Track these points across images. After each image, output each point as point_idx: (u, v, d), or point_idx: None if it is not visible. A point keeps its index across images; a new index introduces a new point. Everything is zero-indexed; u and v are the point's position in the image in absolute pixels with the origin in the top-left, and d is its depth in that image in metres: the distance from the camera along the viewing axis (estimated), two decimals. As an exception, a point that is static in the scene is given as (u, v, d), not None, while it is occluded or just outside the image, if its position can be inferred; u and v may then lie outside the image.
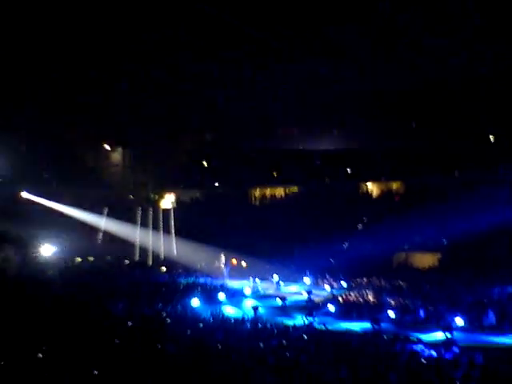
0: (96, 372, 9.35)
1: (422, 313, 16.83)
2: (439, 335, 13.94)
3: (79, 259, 29.66)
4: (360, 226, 31.01)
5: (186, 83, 28.88)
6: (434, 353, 12.22)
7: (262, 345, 12.28)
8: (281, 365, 10.61)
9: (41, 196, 31.33)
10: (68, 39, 23.58)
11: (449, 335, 13.47)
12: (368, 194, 36.47)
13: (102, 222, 32.30)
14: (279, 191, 39.62)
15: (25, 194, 31.37)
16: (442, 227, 27.44)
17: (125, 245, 31.60)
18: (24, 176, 31.70)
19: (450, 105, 30.13)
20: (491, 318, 15.69)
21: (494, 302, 17.81)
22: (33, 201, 31.21)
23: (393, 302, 18.61)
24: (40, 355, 10.36)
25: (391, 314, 16.37)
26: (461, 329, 14.75)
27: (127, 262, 30.73)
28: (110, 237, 31.51)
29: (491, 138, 32.56)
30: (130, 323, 14.44)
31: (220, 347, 11.97)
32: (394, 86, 29.19)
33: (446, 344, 12.81)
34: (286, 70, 27.90)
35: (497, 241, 25.77)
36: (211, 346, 12.16)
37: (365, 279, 23.82)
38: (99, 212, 32.36)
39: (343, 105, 31.90)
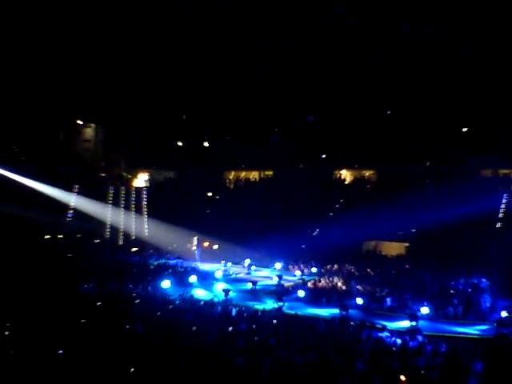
0: (61, 351, 9.25)
1: (388, 301, 17.18)
2: (405, 323, 14.25)
3: (48, 236, 29.12)
4: (332, 213, 31.21)
5: (163, 59, 28.36)
6: (398, 340, 12.54)
7: (231, 328, 12.36)
8: (250, 348, 10.70)
9: (11, 171, 30.39)
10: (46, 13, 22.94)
11: (414, 323, 13.78)
12: (341, 181, 36.82)
13: (72, 199, 31.64)
14: (254, 175, 39.62)
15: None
16: (412, 217, 27.93)
17: (95, 223, 31.11)
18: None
19: (424, 94, 30.41)
20: (455, 308, 16.12)
21: (459, 292, 18.30)
22: (2, 175, 30.27)
23: (361, 289, 18.93)
24: (6, 333, 10.17)
25: (359, 300, 16.64)
26: (426, 318, 15.10)
27: (97, 240, 30.31)
28: (80, 215, 30.90)
29: (464, 129, 33.09)
30: (98, 303, 14.30)
31: (189, 329, 11.98)
32: (369, 72, 29.24)
33: (411, 332, 13.12)
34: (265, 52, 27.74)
35: (463, 232, 26.42)
36: (180, 328, 12.17)
37: (335, 266, 24.12)
38: (70, 189, 31.64)
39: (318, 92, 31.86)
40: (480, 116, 30.79)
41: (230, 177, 39.91)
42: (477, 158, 30.84)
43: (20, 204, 27.17)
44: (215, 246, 28.12)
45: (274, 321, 13.74)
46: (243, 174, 39.80)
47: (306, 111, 35.12)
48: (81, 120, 38.69)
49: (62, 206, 31.01)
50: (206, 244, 28.03)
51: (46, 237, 29.01)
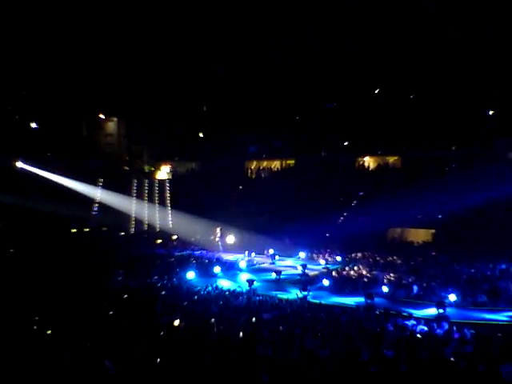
0: (89, 344, 9.40)
1: (415, 288, 16.93)
2: (432, 311, 14.04)
3: (74, 230, 29.67)
4: (356, 201, 30.88)
5: (183, 50, 28.39)
6: (425, 328, 12.35)
7: (256, 318, 12.37)
8: (275, 338, 10.70)
9: (35, 166, 31.02)
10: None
11: (441, 311, 13.57)
12: (365, 168, 36.36)
13: (98, 193, 32.12)
14: (276, 164, 39.48)
15: (19, 164, 31.07)
16: (438, 203, 27.44)
17: (120, 216, 31.56)
18: (19, 145, 31.30)
19: (449, 77, 29.74)
20: (484, 294, 15.79)
21: (487, 278, 17.93)
22: (28, 170, 30.92)
23: (387, 277, 18.72)
24: (35, 327, 10.38)
25: (385, 288, 16.45)
26: (453, 305, 14.85)
27: (122, 233, 30.74)
28: (105, 208, 31.37)
29: (490, 112, 32.30)
30: (125, 296, 14.49)
31: (215, 319, 12.04)
32: (392, 56, 28.74)
33: (439, 320, 12.91)
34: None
35: (491, 217, 25.85)
36: (206, 318, 12.24)
37: (359, 254, 23.90)
38: (94, 183, 32.12)
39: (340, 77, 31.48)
40: (506, 98, 29.98)
41: (252, 167, 39.85)
42: (503, 141, 30.01)
43: (47, 199, 27.64)
44: (230, 238, 27.76)
45: (299, 310, 13.72)
46: (265, 164, 39.68)
47: (328, 97, 34.72)
48: (103, 114, 39.13)
49: (88, 200, 31.52)
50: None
51: (72, 231, 29.56)
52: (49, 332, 10.30)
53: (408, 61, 28.85)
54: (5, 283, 15.43)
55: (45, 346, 9.15)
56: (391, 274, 19.21)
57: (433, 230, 27.31)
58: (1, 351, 8.49)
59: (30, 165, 31.07)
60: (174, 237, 29.31)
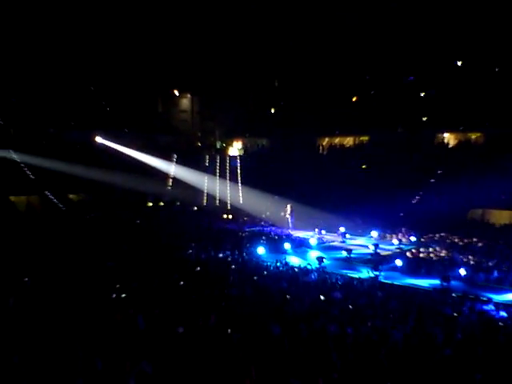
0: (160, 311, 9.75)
1: (495, 272, 15.98)
2: (513, 296, 13.23)
3: (150, 203, 30.89)
4: (433, 180, 29.48)
5: (253, 25, 28.22)
6: (504, 314, 11.66)
7: (326, 296, 12.25)
8: (345, 317, 10.53)
9: (113, 141, 32.48)
10: None
11: (524, 297, 12.75)
12: (444, 145, 34.54)
13: (172, 168, 33.11)
14: (349, 141, 38.52)
15: (99, 139, 32.63)
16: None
17: (193, 191, 32.41)
18: (97, 121, 32.86)
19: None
20: None
21: None
22: (106, 145, 32.45)
23: (465, 260, 17.82)
24: (114, 295, 10.92)
25: (462, 271, 15.66)
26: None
27: (195, 208, 31.58)
28: (178, 183, 32.32)
29: None
30: (197, 268, 14.88)
31: (284, 295, 12.06)
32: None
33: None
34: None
35: None
36: (275, 294, 12.29)
37: (436, 235, 22.91)
38: (168, 158, 33.12)
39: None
40: None
41: (324, 143, 39.18)
42: None
43: (124, 173, 28.91)
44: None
45: (370, 290, 13.42)
46: (337, 140, 38.85)
47: (406, 70, 33.15)
48: (177, 91, 40.05)
49: (162, 175, 32.61)
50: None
51: (148, 204, 30.80)
52: (123, 296, 10.83)
53: (491, 30, 26.79)
54: (85, 252, 16.38)
55: (121, 310, 9.59)
56: (470, 257, 18.27)
57: (517, 212, 25.58)
58: (75, 317, 8.98)
59: (108, 140, 32.58)
60: (245, 213, 29.64)
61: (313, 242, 21.70)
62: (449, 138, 34.81)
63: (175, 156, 33.50)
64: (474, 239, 21.65)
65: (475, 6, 25.91)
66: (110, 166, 28.90)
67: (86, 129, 32.52)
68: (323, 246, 21.85)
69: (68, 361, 6.83)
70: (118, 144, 32.44)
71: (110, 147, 32.31)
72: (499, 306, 12.35)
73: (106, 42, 29.71)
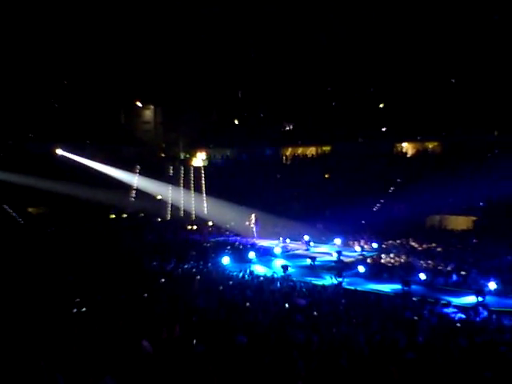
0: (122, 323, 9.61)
1: (454, 276, 16.52)
2: (471, 299, 13.70)
3: (113, 216, 30.38)
4: (393, 188, 30.27)
5: (216, 37, 28.40)
6: (463, 316, 12.09)
7: (291, 303, 12.37)
8: (309, 323, 10.67)
9: (74, 153, 31.88)
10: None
11: (481, 299, 13.22)
12: (403, 154, 35.56)
13: (135, 180, 32.73)
14: (311, 151, 39.15)
15: (59, 151, 31.96)
16: (479, 189, 26.63)
17: (157, 203, 32.11)
18: (58, 133, 32.18)
19: (490, 59, 28.58)
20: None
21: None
22: (67, 158, 31.80)
23: (424, 265, 18.34)
24: (74, 310, 10.69)
25: (422, 276, 16.13)
26: (493, 293, 14.43)
27: (159, 219, 31.26)
28: (142, 194, 31.97)
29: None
30: (161, 280, 14.74)
31: (249, 304, 12.10)
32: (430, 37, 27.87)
33: (477, 308, 12.59)
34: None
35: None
36: (240, 303, 12.32)
37: (397, 241, 23.50)
38: (132, 170, 32.74)
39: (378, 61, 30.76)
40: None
41: (287, 153, 39.66)
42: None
43: (86, 186, 28.38)
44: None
45: (334, 296, 13.64)
46: (300, 150, 39.42)
47: (365, 82, 34.02)
48: (140, 102, 39.74)
49: (125, 187, 32.17)
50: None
51: (111, 217, 30.28)
52: (83, 310, 10.63)
53: (449, 42, 27.90)
54: (45, 266, 15.96)
55: (81, 325, 9.41)
56: (429, 262, 18.83)
57: (473, 218, 26.52)
58: (36, 332, 8.76)
59: (69, 152, 31.95)
60: (210, 223, 29.58)
61: (277, 250, 21.83)
62: (407, 147, 35.89)
63: (138, 167, 33.13)
64: (433, 244, 22.32)
65: (431, 19, 26.84)
66: (71, 179, 28.32)
67: (47, 141, 31.79)
68: (288, 255, 22.01)
69: (29, 377, 6.66)
70: (80, 156, 31.87)
71: (71, 159, 31.67)
72: (459, 308, 12.81)
73: (68, 52, 29.21)
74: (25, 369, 6.84)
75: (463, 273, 16.77)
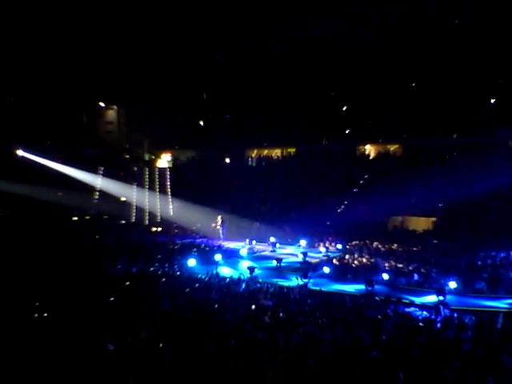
0: (90, 328, 9.44)
1: (415, 276, 16.98)
2: (432, 298, 14.09)
3: (75, 218, 29.71)
4: (356, 189, 30.82)
5: (181, 37, 28.17)
6: (425, 314, 12.45)
7: (257, 305, 12.42)
8: (276, 324, 10.74)
9: (36, 154, 31.02)
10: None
11: (441, 298, 13.62)
12: (365, 156, 36.28)
13: (98, 181, 32.10)
14: (276, 152, 39.42)
15: (20, 152, 31.06)
16: (439, 191, 27.47)
17: (121, 205, 31.59)
18: (18, 133, 31.23)
19: (450, 64, 29.50)
20: (484, 282, 15.84)
21: (488, 266, 17.98)
22: (28, 158, 30.93)
23: (387, 265, 18.77)
24: (36, 315, 10.42)
25: (385, 276, 16.50)
26: (454, 292, 14.90)
27: (123, 221, 30.77)
28: (105, 196, 31.38)
29: (491, 100, 32.15)
30: (127, 283, 14.53)
31: (216, 306, 12.08)
32: (392, 43, 28.51)
33: (438, 307, 12.97)
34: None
35: (492, 205, 25.85)
36: (207, 305, 12.28)
37: (360, 242, 23.94)
38: (94, 171, 32.08)
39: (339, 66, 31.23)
40: (508, 86, 29.81)
41: (253, 155, 39.78)
42: (505, 130, 29.86)
43: (47, 187, 27.65)
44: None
45: (299, 297, 13.78)
46: (265, 152, 39.61)
47: (328, 85, 34.48)
48: (103, 102, 39.00)
49: (88, 188, 31.51)
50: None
51: (73, 218, 29.60)
52: (45, 315, 10.36)
53: (408, 48, 28.60)
54: (4, 270, 15.46)
55: (45, 331, 9.18)
56: (392, 262, 19.28)
57: (434, 219, 27.32)
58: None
59: (30, 153, 31.06)
60: (175, 225, 29.33)
61: (244, 252, 21.89)
62: (370, 149, 36.64)
63: (102, 168, 32.49)
64: (395, 245, 22.88)
65: (392, 23, 27.41)
66: (32, 180, 27.53)
67: (7, 141, 30.78)
68: (254, 256, 22.10)
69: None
70: (42, 157, 31.01)
71: (32, 160, 30.77)
72: (420, 307, 13.18)
73: (28, 51, 28.34)
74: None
75: (424, 272, 17.27)
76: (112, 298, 12.23)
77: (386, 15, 25.71)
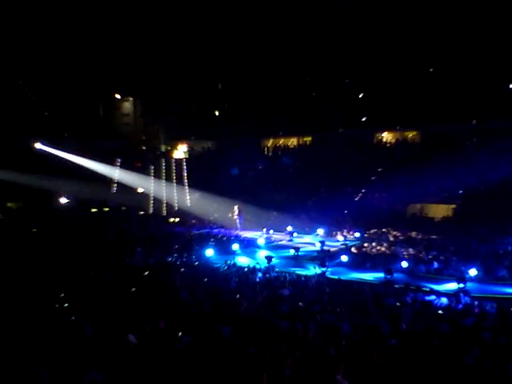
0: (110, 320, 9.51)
1: (435, 263, 16.79)
2: (452, 286, 13.93)
3: (94, 209, 30.03)
4: (374, 177, 30.50)
5: (196, 28, 28.09)
6: (445, 301, 12.30)
7: (275, 294, 12.42)
8: (294, 313, 10.72)
9: (53, 147, 31.36)
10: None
11: (462, 285, 13.46)
12: (383, 144, 35.85)
13: (116, 173, 32.35)
14: (293, 141, 39.18)
15: (38, 145, 31.42)
16: (458, 178, 27.00)
17: (138, 196, 31.83)
18: (36, 127, 31.56)
19: (469, 48, 28.85)
20: (505, 269, 15.59)
21: (508, 253, 17.69)
22: (47, 152, 31.28)
23: (406, 253, 18.60)
24: (57, 305, 10.55)
25: (404, 264, 16.35)
26: (474, 279, 14.71)
27: (142, 213, 31.02)
28: (124, 188, 31.63)
29: (511, 86, 31.42)
30: (145, 273, 14.65)
31: (234, 296, 12.11)
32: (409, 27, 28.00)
33: (459, 294, 12.82)
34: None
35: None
36: (225, 294, 12.32)
37: (379, 230, 23.74)
38: (112, 163, 32.33)
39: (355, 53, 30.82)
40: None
41: (269, 144, 39.63)
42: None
43: (65, 180, 27.95)
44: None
45: (317, 286, 13.74)
46: (281, 141, 39.42)
47: (344, 73, 34.06)
48: (119, 94, 39.18)
49: (106, 180, 31.78)
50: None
51: (92, 210, 29.92)
52: (66, 305, 10.50)
53: (427, 31, 28.07)
54: (26, 263, 15.70)
55: (66, 321, 9.29)
56: (411, 250, 19.09)
57: (453, 206, 26.93)
58: (20, 328, 8.63)
59: (48, 146, 31.41)
60: (192, 215, 29.45)
61: (261, 241, 21.90)
62: (387, 136, 36.17)
63: (119, 160, 32.72)
64: (414, 233, 22.64)
65: (408, 7, 26.91)
66: (51, 173, 27.84)
67: (25, 135, 31.16)
68: (271, 246, 22.10)
69: (12, 373, 6.55)
70: (60, 150, 31.34)
71: (50, 153, 31.12)
72: (440, 295, 13.03)
73: (45, 46, 28.57)
74: (8, 365, 6.73)
75: (444, 260, 17.07)
76: (133, 289, 12.30)
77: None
